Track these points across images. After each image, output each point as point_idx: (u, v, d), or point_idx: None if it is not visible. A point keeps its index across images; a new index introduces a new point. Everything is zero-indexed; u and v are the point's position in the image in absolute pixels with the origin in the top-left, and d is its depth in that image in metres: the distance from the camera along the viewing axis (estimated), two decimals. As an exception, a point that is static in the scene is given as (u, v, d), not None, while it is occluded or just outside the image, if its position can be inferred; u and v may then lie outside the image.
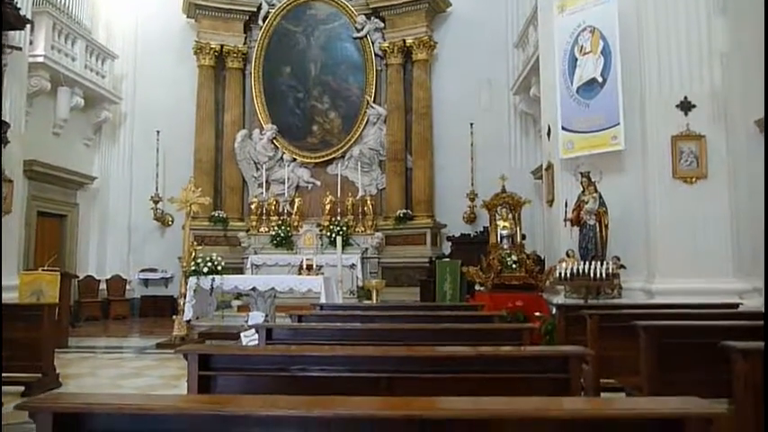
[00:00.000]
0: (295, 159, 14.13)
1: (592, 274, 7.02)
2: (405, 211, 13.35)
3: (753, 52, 7.79)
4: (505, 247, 8.78)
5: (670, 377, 3.52)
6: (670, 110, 7.35)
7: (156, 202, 13.81)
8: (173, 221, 13.82)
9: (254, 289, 9.15)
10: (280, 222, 13.40)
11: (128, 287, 13.63)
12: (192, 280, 9.08)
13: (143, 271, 13.93)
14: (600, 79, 7.88)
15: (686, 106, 7.33)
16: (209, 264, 9.15)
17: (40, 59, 10.77)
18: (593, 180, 7.59)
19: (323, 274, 9.87)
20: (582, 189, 7.67)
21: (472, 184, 13.18)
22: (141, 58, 14.26)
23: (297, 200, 13.74)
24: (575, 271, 7.18)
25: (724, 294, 6.44)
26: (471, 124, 13.16)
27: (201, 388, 2.79)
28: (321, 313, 5.55)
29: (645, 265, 7.38)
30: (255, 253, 13.17)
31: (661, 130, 7.36)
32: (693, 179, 7.25)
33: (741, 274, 7.03)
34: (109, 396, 2.19)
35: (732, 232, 7.15)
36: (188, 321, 9.35)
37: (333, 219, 13.20)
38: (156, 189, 13.83)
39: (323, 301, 8.53)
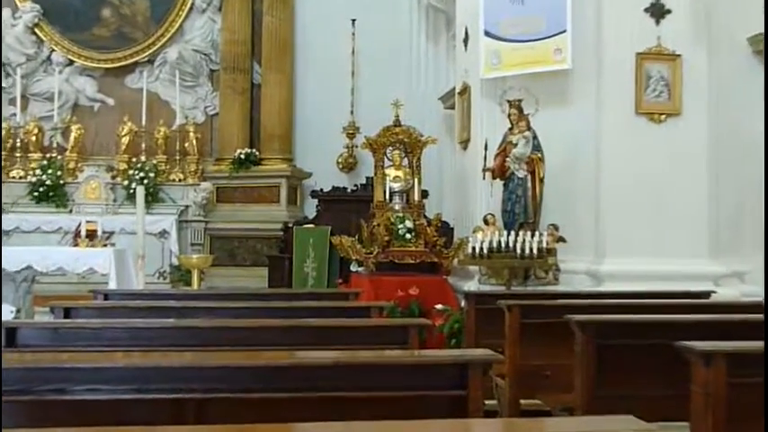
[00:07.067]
0: (72, 62, 13.60)
1: (519, 250, 7.30)
2: (248, 150, 13.27)
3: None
4: (397, 208, 8.92)
5: (612, 393, 3.75)
6: (636, 15, 7.70)
7: None
8: None
9: (-3, 267, 8.74)
10: (45, 163, 12.87)
11: None
12: None
13: None
14: (541, -37, 8.09)
15: (658, 11, 7.72)
16: None
17: None
18: (525, 113, 7.83)
19: (114, 245, 9.67)
20: (510, 125, 7.90)
21: (352, 113, 13.22)
22: None
23: (74, 127, 13.30)
24: (495, 245, 7.43)
25: (696, 280, 6.95)
26: (353, 21, 13.11)
27: None
28: (104, 305, 5.35)
29: (592, 239, 7.78)
30: (4, 211, 12.51)
31: (623, 44, 7.71)
32: (663, 116, 7.70)
33: (717, 254, 7.63)
34: None
35: (710, 195, 7.69)
36: None
37: (133, 159, 12.90)
38: None
39: (112, 286, 8.34)
